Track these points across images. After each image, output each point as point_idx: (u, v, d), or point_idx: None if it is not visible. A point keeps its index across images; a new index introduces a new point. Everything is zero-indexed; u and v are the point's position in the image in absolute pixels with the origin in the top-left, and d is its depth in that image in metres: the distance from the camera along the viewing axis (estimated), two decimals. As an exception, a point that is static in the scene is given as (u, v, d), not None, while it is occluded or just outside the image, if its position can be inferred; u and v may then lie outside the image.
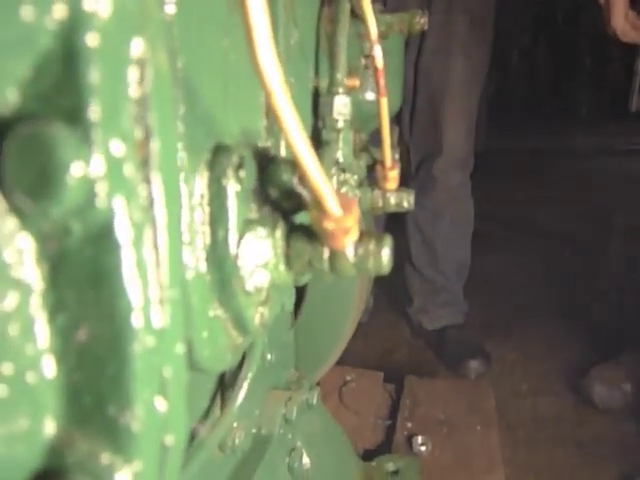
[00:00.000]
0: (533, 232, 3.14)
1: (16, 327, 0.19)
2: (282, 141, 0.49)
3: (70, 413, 0.21)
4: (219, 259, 0.35)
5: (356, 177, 0.67)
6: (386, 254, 0.36)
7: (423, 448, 1.24)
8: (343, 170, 0.64)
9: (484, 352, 1.79)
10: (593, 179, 4.04)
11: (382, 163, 0.64)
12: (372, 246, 0.36)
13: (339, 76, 0.60)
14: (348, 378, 1.52)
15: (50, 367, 0.20)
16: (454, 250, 1.88)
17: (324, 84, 0.63)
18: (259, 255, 0.37)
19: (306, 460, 0.83)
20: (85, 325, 0.20)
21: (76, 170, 0.17)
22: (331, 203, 0.33)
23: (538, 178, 4.24)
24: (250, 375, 0.63)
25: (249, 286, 0.37)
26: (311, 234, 0.37)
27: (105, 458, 0.21)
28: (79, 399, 0.20)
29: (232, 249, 0.35)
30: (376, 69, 0.53)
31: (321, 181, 0.32)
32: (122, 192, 0.18)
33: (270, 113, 0.46)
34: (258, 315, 0.40)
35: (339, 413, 1.37)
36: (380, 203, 0.67)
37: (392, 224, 1.81)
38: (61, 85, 0.17)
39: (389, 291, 2.16)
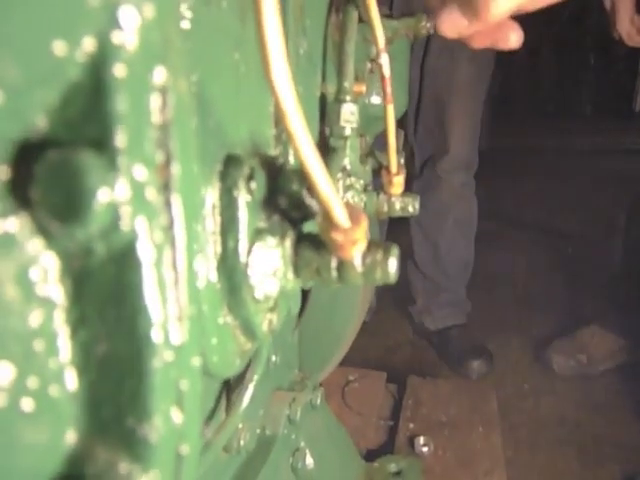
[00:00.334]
0: (535, 231, 3.14)
1: (41, 343, 0.19)
2: (290, 149, 0.50)
3: (90, 424, 0.21)
4: (229, 268, 0.35)
5: (362, 182, 0.67)
6: (393, 264, 0.37)
7: (425, 449, 1.25)
8: (349, 175, 0.65)
9: (487, 352, 1.79)
10: (597, 178, 4.03)
11: (387, 168, 0.65)
12: (379, 256, 0.37)
13: (347, 84, 0.60)
14: (351, 378, 1.52)
15: (72, 380, 0.21)
16: (457, 250, 1.88)
17: (331, 90, 0.64)
18: (268, 264, 0.37)
19: (309, 460, 0.84)
20: (106, 340, 0.20)
21: (103, 196, 0.17)
22: (340, 215, 0.33)
23: (541, 177, 4.24)
24: (256, 377, 0.63)
25: (258, 294, 0.38)
26: (319, 243, 0.38)
27: (123, 467, 0.22)
28: (99, 411, 0.21)
29: (242, 258, 0.36)
30: (383, 77, 0.53)
31: (330, 194, 0.32)
32: (144, 214, 0.19)
33: (279, 122, 0.47)
34: (266, 321, 0.41)
35: (342, 413, 1.38)
36: (385, 208, 0.68)
37: (395, 224, 1.81)
38: (88, 114, 0.18)
39: (392, 290, 2.17)
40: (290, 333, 0.86)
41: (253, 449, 0.72)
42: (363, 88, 0.66)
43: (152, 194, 0.19)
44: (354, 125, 0.61)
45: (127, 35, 0.18)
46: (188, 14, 0.29)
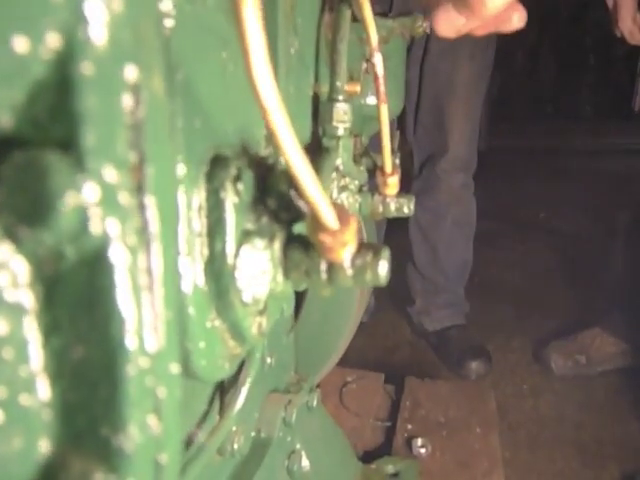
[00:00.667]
0: (534, 231, 3.14)
1: (10, 350, 0.19)
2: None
3: (64, 434, 0.21)
4: (217, 271, 0.35)
5: (356, 182, 0.67)
6: (384, 266, 0.36)
7: (423, 450, 1.24)
8: (343, 175, 0.64)
9: (485, 353, 1.79)
10: (596, 178, 4.03)
11: (382, 169, 0.64)
12: (369, 258, 0.36)
13: (339, 84, 0.60)
14: (349, 379, 1.52)
15: (44, 389, 0.20)
16: (456, 251, 1.88)
17: (324, 89, 0.63)
18: (257, 266, 0.37)
19: (305, 462, 0.83)
20: (79, 347, 0.20)
21: (69, 198, 0.17)
22: (328, 217, 0.33)
23: (540, 177, 4.24)
24: (249, 380, 0.63)
25: (247, 297, 0.37)
26: (309, 245, 0.37)
27: (99, 478, 0.21)
28: (73, 420, 0.21)
29: (230, 260, 0.35)
30: (376, 76, 0.53)
31: (317, 195, 0.32)
32: (116, 217, 0.18)
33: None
34: (256, 325, 0.40)
35: (339, 414, 1.37)
36: (380, 209, 0.67)
37: (394, 225, 1.81)
38: (55, 112, 0.17)
39: (391, 291, 2.16)
40: (286, 334, 0.85)
41: (248, 452, 0.72)
42: (357, 88, 0.66)
43: (124, 196, 0.18)
44: (347, 125, 0.60)
45: (94, 30, 0.17)
46: (171, 12, 0.28)
